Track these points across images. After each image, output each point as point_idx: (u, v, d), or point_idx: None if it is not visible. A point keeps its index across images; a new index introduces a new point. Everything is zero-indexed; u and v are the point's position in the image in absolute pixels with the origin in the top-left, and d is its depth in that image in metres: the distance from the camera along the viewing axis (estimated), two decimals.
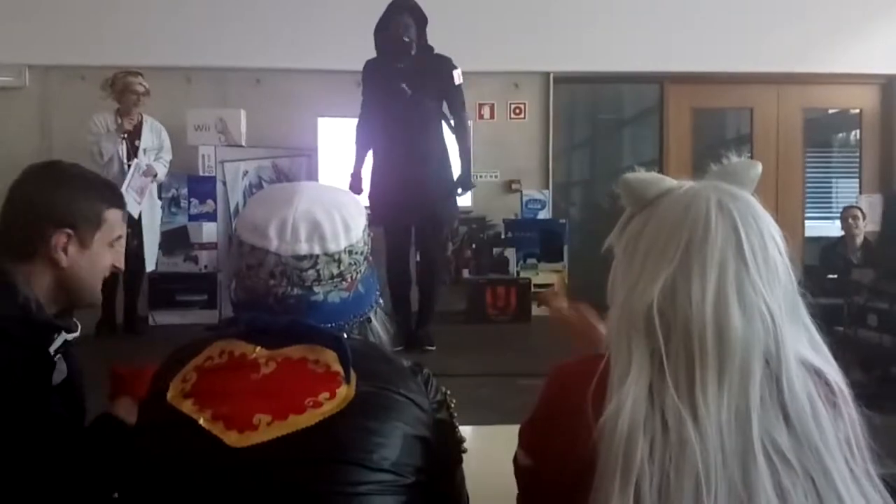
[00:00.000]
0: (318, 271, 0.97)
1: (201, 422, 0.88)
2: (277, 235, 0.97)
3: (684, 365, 0.79)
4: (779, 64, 6.03)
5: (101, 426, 1.21)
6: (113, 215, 1.29)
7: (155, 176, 4.71)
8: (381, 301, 1.08)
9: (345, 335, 0.96)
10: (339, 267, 0.99)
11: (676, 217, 0.84)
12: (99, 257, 1.27)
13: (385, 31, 4.12)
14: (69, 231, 1.22)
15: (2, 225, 1.25)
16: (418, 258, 4.52)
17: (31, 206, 1.23)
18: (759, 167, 0.89)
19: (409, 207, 4.07)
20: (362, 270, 1.03)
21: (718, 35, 5.93)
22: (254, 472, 0.85)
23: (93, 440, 1.18)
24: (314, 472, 0.86)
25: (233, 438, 0.86)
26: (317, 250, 0.97)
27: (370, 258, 1.06)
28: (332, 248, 0.98)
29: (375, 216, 3.97)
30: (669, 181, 0.89)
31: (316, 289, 0.98)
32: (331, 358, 0.92)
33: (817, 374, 0.82)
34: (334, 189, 1.08)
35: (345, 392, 0.89)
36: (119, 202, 1.32)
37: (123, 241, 1.34)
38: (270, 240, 0.96)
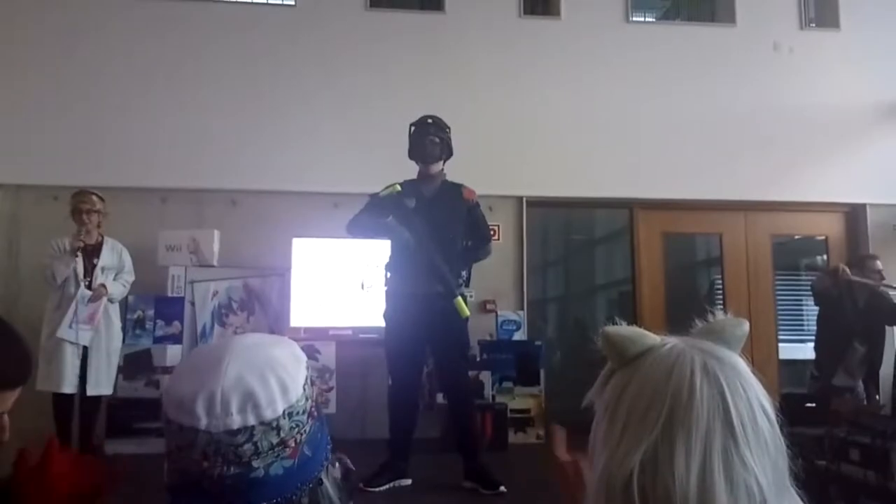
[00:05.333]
0: (255, 444, 0.87)
1: None
2: (206, 412, 0.86)
3: None
4: (746, 192, 6.22)
5: None
6: (8, 396, 1.15)
7: (106, 294, 4.53)
8: (330, 455, 0.97)
9: None
10: (279, 435, 0.89)
11: (659, 379, 0.77)
12: None
13: None
14: None
15: None
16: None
17: None
18: (746, 326, 0.84)
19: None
20: (307, 430, 0.92)
21: (686, 164, 6.13)
22: None
23: None
24: None
25: None
26: (251, 421, 0.87)
27: (314, 412, 0.95)
28: (269, 415, 0.88)
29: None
30: (652, 338, 0.82)
31: (255, 463, 0.87)
32: None
33: None
34: (267, 342, 0.97)
35: None
36: (19, 381, 1.21)
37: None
38: (199, 417, 0.86)
